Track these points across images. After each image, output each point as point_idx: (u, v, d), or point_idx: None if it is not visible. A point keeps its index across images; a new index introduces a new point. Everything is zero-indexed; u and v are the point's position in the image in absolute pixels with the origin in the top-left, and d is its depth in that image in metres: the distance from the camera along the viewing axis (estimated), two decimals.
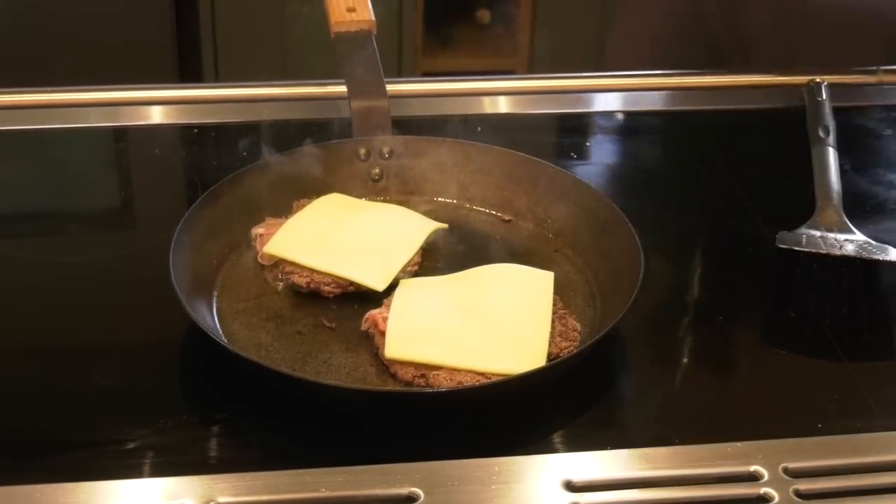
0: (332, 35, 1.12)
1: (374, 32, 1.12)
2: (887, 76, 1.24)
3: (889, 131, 1.19)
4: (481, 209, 1.03)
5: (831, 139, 1.09)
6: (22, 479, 0.73)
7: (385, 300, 0.88)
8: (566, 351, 0.83)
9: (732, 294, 0.93)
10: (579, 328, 0.86)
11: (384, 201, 1.03)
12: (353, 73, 1.08)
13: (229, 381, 0.82)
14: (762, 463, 0.76)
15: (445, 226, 0.98)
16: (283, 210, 0.98)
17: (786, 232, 0.95)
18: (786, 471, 0.75)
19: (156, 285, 0.87)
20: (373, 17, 1.13)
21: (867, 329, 0.90)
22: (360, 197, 1.02)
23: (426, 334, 0.84)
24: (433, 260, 0.95)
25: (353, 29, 1.11)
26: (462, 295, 0.88)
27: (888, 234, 0.98)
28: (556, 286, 0.89)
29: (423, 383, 0.81)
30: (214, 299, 0.90)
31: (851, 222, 0.97)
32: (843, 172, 1.06)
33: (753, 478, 0.75)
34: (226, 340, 0.85)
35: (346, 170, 1.04)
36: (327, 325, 0.88)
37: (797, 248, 0.93)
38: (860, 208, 1.03)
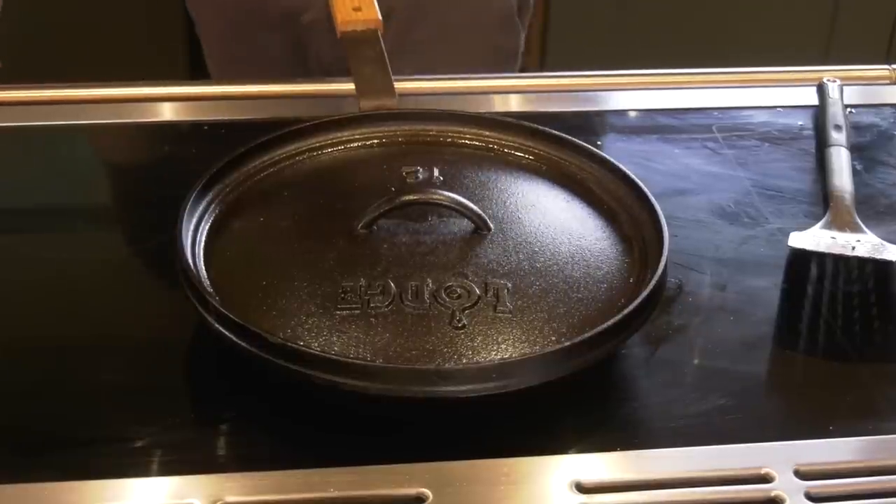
0: (339, 34, 1.12)
1: (381, 31, 1.12)
2: None
3: None
4: None
5: (843, 138, 1.09)
6: (29, 477, 0.73)
7: None
8: None
9: (744, 294, 0.93)
10: None
11: None
12: (361, 72, 1.07)
13: (238, 380, 0.82)
14: (773, 465, 0.75)
15: None
16: None
17: (798, 232, 0.94)
18: (797, 473, 0.75)
19: (164, 283, 0.87)
20: (379, 16, 1.12)
21: (879, 330, 0.90)
22: None
23: None
24: None
25: (359, 28, 1.10)
26: None
27: None
28: None
29: None
30: None
31: (864, 223, 0.96)
32: (855, 172, 1.05)
33: (764, 480, 0.75)
34: None
35: None
36: None
37: (809, 249, 0.93)
38: (873, 209, 1.03)
